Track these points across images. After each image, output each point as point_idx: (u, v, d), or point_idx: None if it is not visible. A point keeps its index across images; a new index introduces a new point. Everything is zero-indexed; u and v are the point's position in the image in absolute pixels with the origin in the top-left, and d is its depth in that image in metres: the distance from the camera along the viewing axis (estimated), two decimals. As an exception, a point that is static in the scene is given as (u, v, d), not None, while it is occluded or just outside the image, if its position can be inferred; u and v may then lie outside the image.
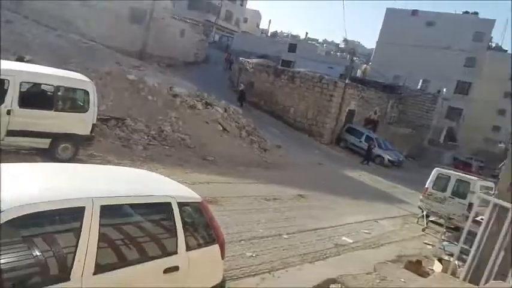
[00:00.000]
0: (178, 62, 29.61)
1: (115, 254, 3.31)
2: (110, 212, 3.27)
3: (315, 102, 25.85)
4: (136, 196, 3.63)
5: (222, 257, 4.32)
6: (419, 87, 36.63)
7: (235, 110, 19.39)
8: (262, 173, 13.96)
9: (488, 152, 50.42)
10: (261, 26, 75.95)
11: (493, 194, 8.10)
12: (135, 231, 3.59)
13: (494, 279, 6.78)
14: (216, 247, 4.20)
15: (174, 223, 3.75)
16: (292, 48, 48.13)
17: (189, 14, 41.83)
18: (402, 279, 7.62)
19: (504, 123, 55.82)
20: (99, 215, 3.12)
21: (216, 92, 21.52)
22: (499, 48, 52.24)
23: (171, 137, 13.76)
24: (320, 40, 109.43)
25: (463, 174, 13.18)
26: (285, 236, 8.45)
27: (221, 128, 16.44)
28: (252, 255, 7.00)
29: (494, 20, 45.30)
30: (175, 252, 3.71)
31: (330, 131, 25.71)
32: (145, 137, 12.95)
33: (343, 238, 9.26)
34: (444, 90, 37.28)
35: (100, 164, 8.96)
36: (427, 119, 34.46)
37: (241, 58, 32.17)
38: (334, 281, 6.84)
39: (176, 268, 3.67)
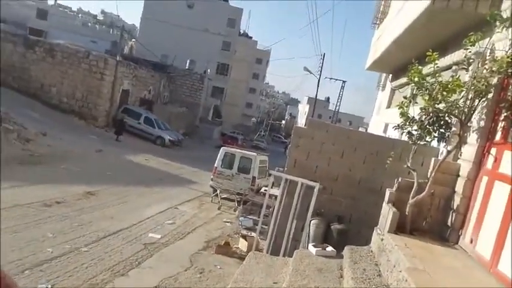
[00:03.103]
0: None
1: None
2: None
3: (83, 81, 22.94)
4: None
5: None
6: (187, 67, 38.07)
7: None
8: (30, 170, 11.25)
9: (245, 125, 58.77)
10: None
11: (284, 170, 8.98)
12: None
13: (291, 245, 7.59)
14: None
15: None
16: (42, 14, 40.86)
17: None
18: (218, 266, 7.60)
19: (254, 100, 66.18)
20: None
21: None
22: (246, 35, 60.36)
23: None
24: (74, 9, 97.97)
25: (246, 151, 14.45)
26: (84, 249, 6.97)
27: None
28: (47, 288, 5.38)
29: (241, 9, 51.48)
30: None
31: (105, 113, 23.52)
32: None
33: (150, 235, 8.48)
34: (209, 70, 40.15)
35: None
36: (197, 97, 36.55)
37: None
38: (157, 290, 6.09)
39: None
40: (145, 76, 29.21)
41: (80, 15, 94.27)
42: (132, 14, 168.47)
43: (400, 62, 9.94)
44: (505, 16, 4.42)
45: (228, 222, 10.98)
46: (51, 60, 22.95)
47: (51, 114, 21.04)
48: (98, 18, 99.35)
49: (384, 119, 12.90)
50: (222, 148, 14.30)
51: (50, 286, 5.52)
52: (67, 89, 22.92)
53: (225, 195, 13.11)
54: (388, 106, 12.70)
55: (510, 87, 4.26)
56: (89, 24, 74.57)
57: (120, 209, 9.78)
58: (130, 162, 16.88)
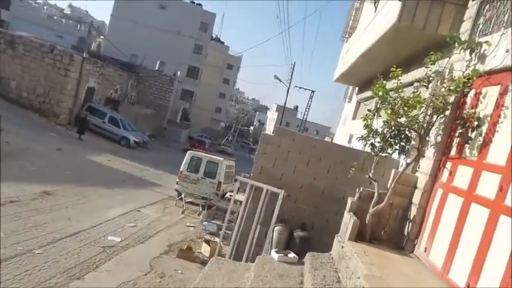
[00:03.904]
0: None
1: None
2: None
3: (46, 76, 22.02)
4: None
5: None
6: (156, 68, 37.48)
7: None
8: (-16, 167, 10.65)
9: (213, 129, 58.42)
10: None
11: (250, 176, 9.01)
12: None
13: (253, 251, 7.62)
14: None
15: None
16: (5, 3, 38.95)
17: None
18: (179, 271, 7.50)
19: (224, 105, 66.03)
20: None
21: None
22: (218, 40, 60.29)
23: None
24: (39, 0, 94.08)
25: (212, 156, 14.39)
26: (38, 251, 6.68)
27: None
28: (-3, 292, 5.12)
29: (215, 14, 51.40)
30: None
31: (68, 110, 22.67)
32: None
33: (110, 238, 8.25)
34: (179, 73, 39.69)
35: None
36: (165, 99, 36.02)
37: None
38: (114, 295, 5.92)
39: None
40: (113, 75, 28.48)
41: (45, 7, 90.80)
42: (101, 10, 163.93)
43: (366, 76, 10.27)
44: (463, 39, 4.70)
45: (191, 226, 10.86)
46: (12, 52, 21.88)
47: (10, 109, 20.02)
48: (64, 12, 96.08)
49: (349, 130, 13.24)
50: (188, 152, 14.17)
51: (-1, 289, 5.25)
52: (28, 84, 21.92)
53: (189, 199, 12.97)
54: (354, 118, 13.06)
55: (465, 106, 4.52)
56: (55, 17, 72.03)
57: (78, 210, 9.45)
58: (92, 162, 16.36)
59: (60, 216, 8.70)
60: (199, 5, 51.33)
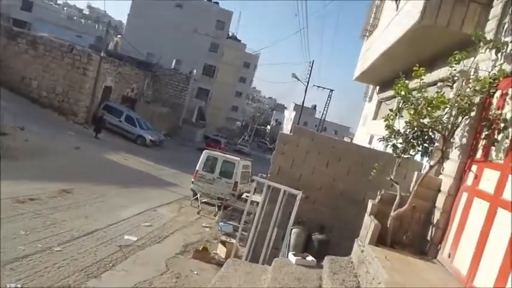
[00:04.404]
0: None
1: None
2: None
3: (66, 75, 22.56)
4: None
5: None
6: (172, 66, 37.87)
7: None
8: (4, 165, 10.93)
9: (229, 129, 58.71)
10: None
11: (267, 176, 9.01)
12: None
13: (270, 253, 7.62)
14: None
15: None
16: (27, 5, 40.08)
17: None
18: (195, 272, 7.56)
19: (240, 103, 66.25)
20: None
21: None
22: (234, 38, 60.47)
23: None
24: (59, 2, 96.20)
25: (229, 156, 14.46)
26: (57, 249, 6.85)
27: None
28: (17, 288, 5.26)
29: (231, 12, 51.60)
30: None
31: (85, 109, 23.16)
32: None
33: (126, 237, 8.38)
34: (195, 71, 40.04)
35: None
36: (181, 98, 36.33)
37: None
38: (130, 294, 6.02)
39: None
40: (129, 73, 28.94)
41: (65, 8, 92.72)
42: (119, 10, 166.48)
43: (387, 75, 10.14)
44: (488, 38, 4.59)
45: (207, 227, 10.93)
46: (34, 52, 22.50)
47: (30, 108, 20.58)
48: (83, 12, 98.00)
49: (369, 131, 13.10)
50: (204, 151, 14.27)
51: (19, 286, 5.40)
52: (48, 83, 22.49)
53: (205, 200, 13.05)
54: (374, 118, 12.91)
55: (491, 107, 4.41)
56: (75, 18, 73.49)
57: (96, 209, 9.64)
58: (109, 160, 16.65)
59: (78, 214, 8.89)
60: (216, 3, 51.63)
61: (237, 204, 12.12)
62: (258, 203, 8.08)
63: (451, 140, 4.83)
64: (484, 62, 4.66)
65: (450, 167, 4.82)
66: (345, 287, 4.10)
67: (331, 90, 36.60)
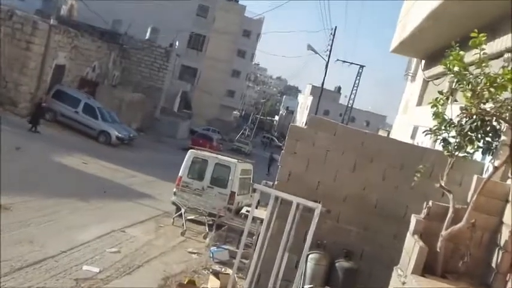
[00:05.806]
0: None
1: None
2: None
3: (2, 51, 22.58)
4: None
5: None
6: (147, 37, 37.79)
7: None
8: None
9: (224, 121, 58.88)
10: None
11: (274, 184, 9.02)
12: None
13: (280, 287, 7.65)
14: None
15: None
16: None
17: None
18: (179, 314, 7.60)
19: (238, 86, 66.31)
20: None
21: None
22: (230, -2, 60.61)
23: None
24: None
25: (223, 157, 14.48)
26: (-7, 284, 6.89)
27: None
28: None
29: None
30: None
31: (29, 96, 23.28)
32: None
33: (85, 267, 8.42)
34: (177, 43, 39.94)
35: None
36: (159, 80, 36.33)
37: None
38: None
39: None
40: (89, 47, 29.04)
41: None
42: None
43: (435, 44, 10.12)
44: None
45: (194, 253, 11.00)
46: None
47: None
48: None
49: (412, 120, 13.09)
50: (190, 151, 14.29)
51: None
52: (-24, 61, 22.62)
53: (191, 216, 13.09)
54: (419, 103, 12.89)
55: None
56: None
57: (45, 230, 9.70)
58: (62, 165, 16.73)
59: (22, 236, 8.94)
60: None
61: (234, 222, 12.15)
62: (262, 220, 8.11)
63: (524, 132, 4.81)
64: None
65: (522, 168, 4.80)
66: (380, 333, 4.10)
67: (362, 67, 36.79)
